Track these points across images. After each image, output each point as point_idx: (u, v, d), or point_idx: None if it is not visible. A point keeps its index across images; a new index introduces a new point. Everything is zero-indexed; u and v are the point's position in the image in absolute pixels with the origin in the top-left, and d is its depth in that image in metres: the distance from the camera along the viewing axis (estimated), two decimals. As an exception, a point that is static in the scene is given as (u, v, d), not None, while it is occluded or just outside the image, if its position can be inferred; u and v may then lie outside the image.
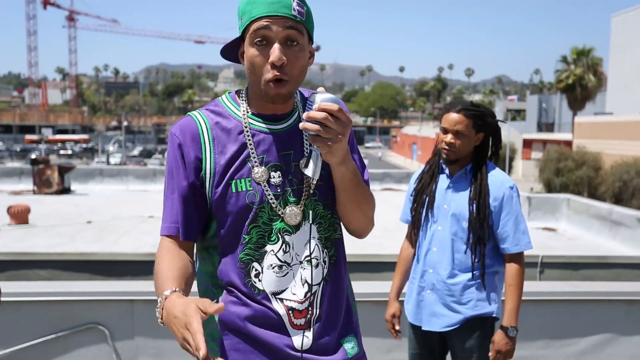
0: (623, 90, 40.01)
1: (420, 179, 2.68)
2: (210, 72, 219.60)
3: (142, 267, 5.55)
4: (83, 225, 11.41)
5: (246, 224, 1.46)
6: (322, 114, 1.34)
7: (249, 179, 1.46)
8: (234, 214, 1.45)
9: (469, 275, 2.49)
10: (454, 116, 2.50)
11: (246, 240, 1.47)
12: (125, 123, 79.67)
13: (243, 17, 1.43)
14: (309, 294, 1.49)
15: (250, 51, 1.42)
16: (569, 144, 33.80)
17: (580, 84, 37.86)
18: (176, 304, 1.24)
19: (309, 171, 1.43)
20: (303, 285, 1.49)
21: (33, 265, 7.39)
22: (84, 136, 73.27)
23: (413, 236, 2.69)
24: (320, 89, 1.43)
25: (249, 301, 1.47)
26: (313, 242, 1.50)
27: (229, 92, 1.58)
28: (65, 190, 16.71)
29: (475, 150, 2.55)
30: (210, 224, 1.51)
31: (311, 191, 1.50)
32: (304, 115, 1.37)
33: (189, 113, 1.54)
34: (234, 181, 1.46)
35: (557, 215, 12.09)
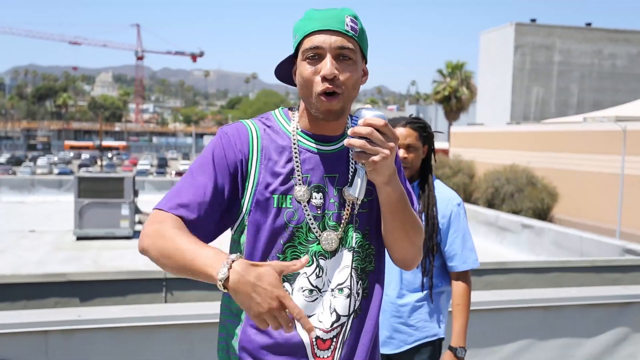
0: (490, 103, 43.17)
1: None
2: (86, 75, 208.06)
3: (36, 290, 5.05)
4: (-48, 242, 10.29)
5: (281, 242, 1.40)
6: (368, 129, 1.30)
7: (291, 196, 1.41)
8: (271, 230, 1.40)
9: (418, 295, 2.45)
10: (401, 130, 2.43)
11: (280, 259, 1.39)
12: (-11, 128, 73.36)
13: (297, 35, 1.41)
14: (336, 325, 1.43)
15: (302, 66, 1.39)
16: (445, 152, 35.73)
17: (455, 96, 40.22)
18: (258, 272, 1.16)
19: (353, 190, 1.38)
20: (331, 314, 1.43)
21: None
22: (122, 143, 66.71)
23: None
24: (367, 105, 1.40)
25: (271, 329, 1.37)
26: (347, 271, 1.44)
27: (282, 108, 1.53)
28: None
29: (421, 163, 2.51)
30: (239, 238, 1.44)
31: (353, 217, 1.44)
32: (349, 131, 1.33)
33: (240, 120, 1.50)
34: (276, 196, 1.41)
35: (446, 222, 12.71)
